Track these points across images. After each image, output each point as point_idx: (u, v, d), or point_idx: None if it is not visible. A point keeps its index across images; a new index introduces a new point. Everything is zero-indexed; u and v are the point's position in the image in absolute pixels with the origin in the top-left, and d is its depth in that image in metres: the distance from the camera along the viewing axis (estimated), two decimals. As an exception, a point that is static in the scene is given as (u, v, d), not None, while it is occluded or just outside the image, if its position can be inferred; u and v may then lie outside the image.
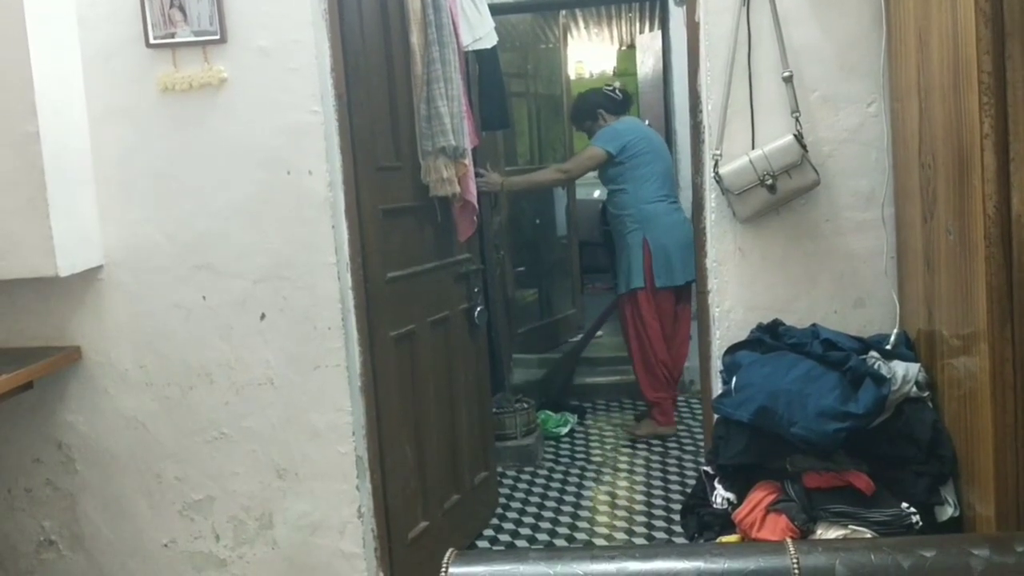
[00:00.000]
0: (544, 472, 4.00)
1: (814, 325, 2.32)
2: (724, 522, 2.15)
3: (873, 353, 2.16)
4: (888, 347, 2.22)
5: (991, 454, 1.76)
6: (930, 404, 2.08)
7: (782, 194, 2.35)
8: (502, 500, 3.67)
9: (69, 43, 2.51)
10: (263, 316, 2.58)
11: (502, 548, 3.25)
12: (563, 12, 6.10)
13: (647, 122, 5.26)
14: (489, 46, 3.48)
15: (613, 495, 3.72)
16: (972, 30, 1.69)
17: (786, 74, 2.36)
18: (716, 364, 2.46)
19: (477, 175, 3.47)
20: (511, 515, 3.55)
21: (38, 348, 2.61)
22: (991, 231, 1.70)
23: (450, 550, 1.47)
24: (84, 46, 2.54)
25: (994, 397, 1.74)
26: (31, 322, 2.65)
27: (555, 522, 3.47)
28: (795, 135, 2.34)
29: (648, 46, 7.08)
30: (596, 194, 8.35)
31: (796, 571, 1.39)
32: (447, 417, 3.16)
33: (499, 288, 4.59)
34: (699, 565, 1.43)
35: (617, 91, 4.43)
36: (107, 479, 2.71)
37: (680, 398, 4.59)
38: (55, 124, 2.42)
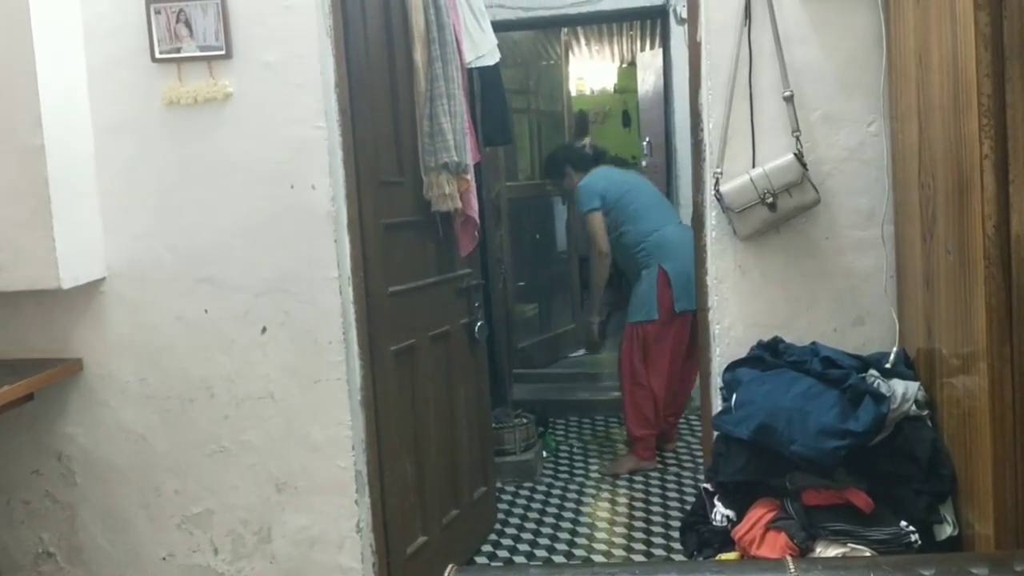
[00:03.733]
0: (543, 488, 3.99)
1: (814, 343, 2.32)
2: (723, 539, 2.15)
3: (872, 371, 2.17)
4: (887, 365, 2.22)
5: (990, 473, 1.76)
6: (929, 423, 2.09)
7: (782, 212, 2.36)
8: (501, 515, 3.66)
9: (75, 56, 2.53)
10: (264, 330, 2.59)
11: (500, 564, 3.24)
12: (565, 29, 6.15)
13: (613, 154, 5.12)
14: (492, 63, 3.49)
15: (612, 511, 3.72)
16: (972, 53, 1.71)
17: (787, 93, 2.37)
18: (716, 381, 2.47)
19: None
20: (510, 530, 3.54)
21: (40, 360, 2.62)
22: (990, 251, 1.71)
23: (450, 566, 1.47)
24: (90, 59, 2.56)
25: (993, 416, 1.74)
26: (33, 334, 2.66)
27: (554, 538, 3.47)
28: (796, 154, 2.35)
29: (649, 64, 7.10)
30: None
31: (796, 589, 1.39)
32: (447, 432, 3.16)
33: (501, 303, 4.59)
34: (699, 582, 1.43)
35: (587, 147, 4.52)
36: (106, 491, 2.72)
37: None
38: (60, 137, 2.44)
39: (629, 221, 4.16)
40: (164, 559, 2.71)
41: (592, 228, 4.28)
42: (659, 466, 4.15)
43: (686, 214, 4.78)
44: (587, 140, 4.60)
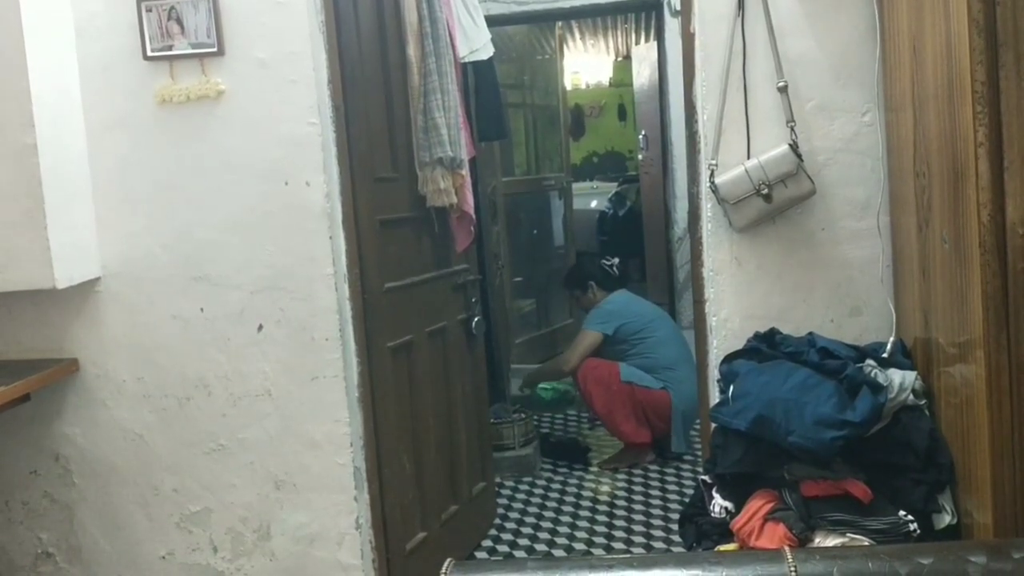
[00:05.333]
0: (542, 482, 3.99)
1: (811, 334, 2.32)
2: (722, 531, 2.15)
3: (870, 361, 2.17)
4: (884, 355, 2.22)
5: (988, 461, 1.76)
6: (927, 412, 2.09)
7: (778, 203, 2.36)
8: (500, 510, 3.66)
9: (67, 55, 2.52)
10: (261, 327, 2.58)
11: (500, 558, 3.24)
12: (559, 23, 6.13)
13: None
14: (485, 57, 3.49)
15: (611, 505, 3.72)
16: (965, 40, 1.70)
17: (781, 84, 2.37)
18: (713, 373, 2.47)
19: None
20: (509, 525, 3.54)
21: (35, 360, 2.61)
22: (986, 239, 1.71)
23: (448, 560, 1.48)
24: (82, 58, 2.55)
25: (990, 404, 1.74)
26: (28, 334, 2.65)
27: (553, 532, 3.47)
28: (790, 145, 2.35)
29: (644, 57, 7.11)
30: (593, 204, 8.37)
31: (794, 579, 1.39)
32: (445, 428, 3.16)
33: (498, 298, 4.59)
34: (697, 574, 1.44)
35: (615, 268, 4.47)
36: (105, 491, 2.71)
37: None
38: (53, 136, 2.43)
39: (647, 355, 4.14)
40: (163, 558, 2.71)
41: (580, 343, 4.26)
42: (657, 459, 4.15)
43: (682, 207, 4.80)
44: (615, 260, 4.58)
